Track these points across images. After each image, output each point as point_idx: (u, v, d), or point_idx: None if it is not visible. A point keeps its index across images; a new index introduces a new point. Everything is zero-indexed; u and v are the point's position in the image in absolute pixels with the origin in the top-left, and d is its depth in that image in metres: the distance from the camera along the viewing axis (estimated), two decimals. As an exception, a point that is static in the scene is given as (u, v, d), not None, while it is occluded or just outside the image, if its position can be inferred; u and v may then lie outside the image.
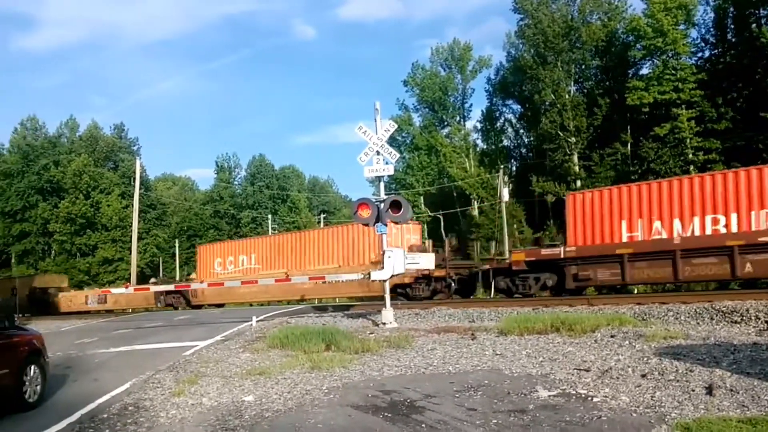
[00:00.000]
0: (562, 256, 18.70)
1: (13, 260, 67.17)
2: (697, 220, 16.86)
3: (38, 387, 8.19)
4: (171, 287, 30.04)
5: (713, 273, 16.60)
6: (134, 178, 47.33)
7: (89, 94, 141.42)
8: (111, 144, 72.58)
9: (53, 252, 67.81)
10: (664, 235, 17.31)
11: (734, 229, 16.20)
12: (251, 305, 28.73)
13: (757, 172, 16.28)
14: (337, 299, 28.48)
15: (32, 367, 8.14)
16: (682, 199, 17.18)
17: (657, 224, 17.50)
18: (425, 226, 59.41)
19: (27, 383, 7.92)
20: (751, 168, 17.02)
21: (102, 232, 65.68)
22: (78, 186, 64.90)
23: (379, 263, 15.27)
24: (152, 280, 44.01)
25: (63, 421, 6.97)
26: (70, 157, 67.89)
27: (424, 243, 25.56)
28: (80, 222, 64.75)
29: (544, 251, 19.55)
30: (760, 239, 15.39)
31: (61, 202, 65.44)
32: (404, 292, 23.23)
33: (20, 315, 27.74)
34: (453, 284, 23.08)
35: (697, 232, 16.81)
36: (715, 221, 16.56)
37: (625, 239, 17.98)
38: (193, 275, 36.27)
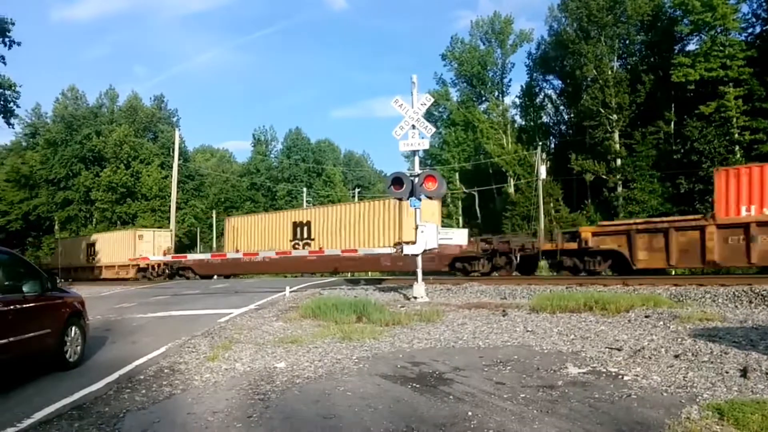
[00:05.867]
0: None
1: (56, 227, 69.22)
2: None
3: (78, 347, 8.46)
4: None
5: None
6: (173, 149, 48.11)
7: (129, 65, 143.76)
8: (150, 115, 73.84)
9: (95, 219, 69.58)
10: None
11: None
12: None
13: None
14: (369, 273, 28.68)
15: (73, 328, 8.40)
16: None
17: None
18: (460, 203, 59.27)
19: (68, 343, 8.18)
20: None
21: (142, 201, 67.29)
22: (119, 156, 66.42)
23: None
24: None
25: (102, 380, 7.18)
26: (111, 127, 69.34)
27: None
28: (121, 191, 66.40)
29: None
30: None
31: (103, 171, 67.09)
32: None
33: (62, 279, 28.66)
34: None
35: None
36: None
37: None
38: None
